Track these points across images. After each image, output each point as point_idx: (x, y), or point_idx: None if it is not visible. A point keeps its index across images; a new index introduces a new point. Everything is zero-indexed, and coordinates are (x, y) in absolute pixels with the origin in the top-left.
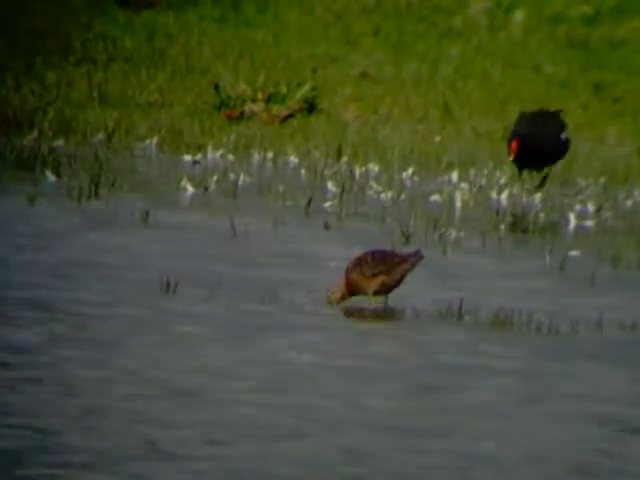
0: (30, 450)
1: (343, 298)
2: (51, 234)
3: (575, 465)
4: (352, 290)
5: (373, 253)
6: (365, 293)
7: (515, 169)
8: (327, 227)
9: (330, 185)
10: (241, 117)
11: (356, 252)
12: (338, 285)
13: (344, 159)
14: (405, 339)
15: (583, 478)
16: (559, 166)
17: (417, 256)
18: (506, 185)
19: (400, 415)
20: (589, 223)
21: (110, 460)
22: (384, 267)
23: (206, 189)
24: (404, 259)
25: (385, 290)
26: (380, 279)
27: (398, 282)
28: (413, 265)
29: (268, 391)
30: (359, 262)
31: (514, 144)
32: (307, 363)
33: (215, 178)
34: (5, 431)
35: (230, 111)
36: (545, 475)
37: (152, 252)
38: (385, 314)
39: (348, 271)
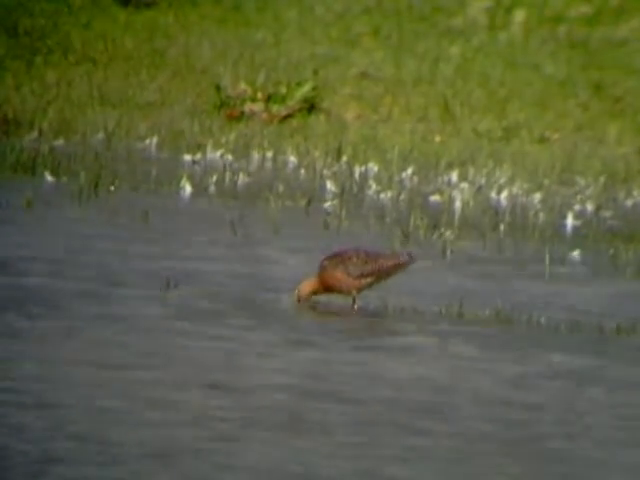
0: None
1: (315, 294)
2: (51, 233)
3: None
4: (328, 287)
5: (357, 251)
6: (344, 292)
7: None
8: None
9: (330, 185)
10: (241, 117)
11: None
12: (309, 281)
13: (344, 159)
14: (405, 338)
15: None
16: (559, 166)
17: (409, 258)
18: (505, 185)
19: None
20: (589, 223)
21: None
22: (375, 268)
23: (206, 189)
24: (398, 263)
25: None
26: (369, 281)
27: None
28: (404, 268)
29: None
30: (342, 260)
31: None
32: (307, 360)
33: (215, 178)
34: None
35: (230, 111)
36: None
37: (152, 252)
38: (383, 314)
39: (326, 268)
